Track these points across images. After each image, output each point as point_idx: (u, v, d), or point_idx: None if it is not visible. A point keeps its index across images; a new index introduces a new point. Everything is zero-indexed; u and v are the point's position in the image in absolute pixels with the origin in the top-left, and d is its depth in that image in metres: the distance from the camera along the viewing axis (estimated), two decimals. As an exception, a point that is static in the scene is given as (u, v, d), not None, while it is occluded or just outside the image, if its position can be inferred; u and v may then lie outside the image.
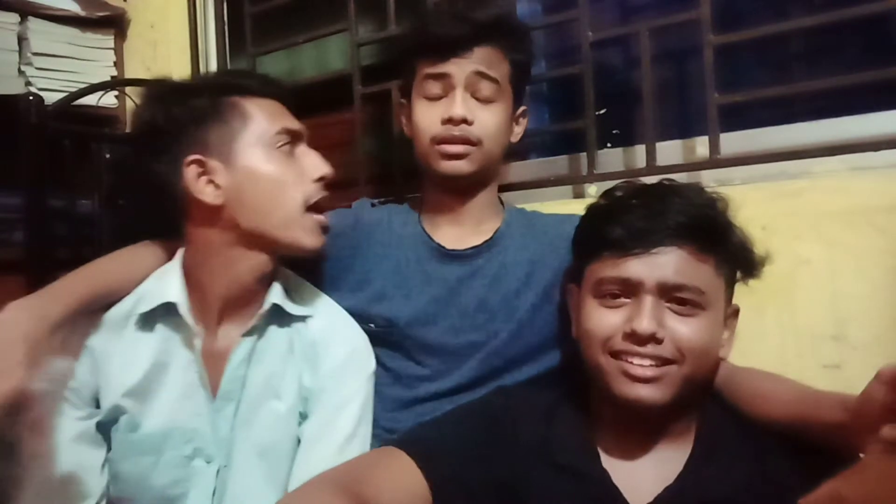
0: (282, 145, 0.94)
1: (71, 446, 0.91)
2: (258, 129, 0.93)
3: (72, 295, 0.88)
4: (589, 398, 0.89)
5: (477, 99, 1.07)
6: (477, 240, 1.11)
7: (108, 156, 1.54)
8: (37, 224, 1.43)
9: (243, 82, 0.97)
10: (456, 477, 0.81)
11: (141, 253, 1.02)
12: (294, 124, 0.96)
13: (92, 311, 0.93)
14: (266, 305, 0.96)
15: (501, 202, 1.20)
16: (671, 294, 0.80)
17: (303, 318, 1.00)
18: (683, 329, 0.80)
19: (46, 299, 0.87)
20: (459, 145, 1.07)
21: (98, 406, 0.94)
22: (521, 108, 1.17)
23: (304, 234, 0.94)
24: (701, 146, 1.32)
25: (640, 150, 1.37)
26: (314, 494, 0.74)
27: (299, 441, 0.98)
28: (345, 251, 1.12)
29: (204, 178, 0.94)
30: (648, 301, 0.80)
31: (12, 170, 1.40)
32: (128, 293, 0.96)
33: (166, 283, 0.95)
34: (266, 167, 0.93)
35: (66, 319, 0.85)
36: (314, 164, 0.95)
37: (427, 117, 1.08)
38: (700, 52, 1.26)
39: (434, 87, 1.08)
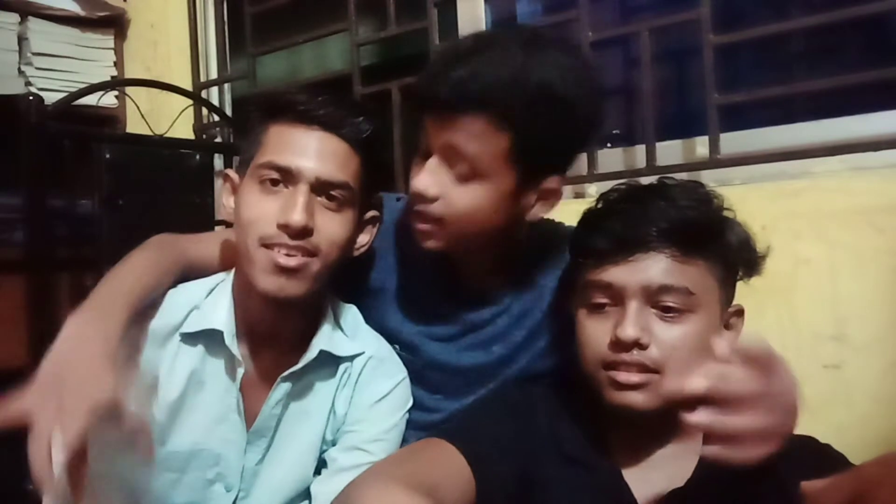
0: (263, 179, 0.88)
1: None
2: (258, 157, 0.90)
3: (123, 308, 0.83)
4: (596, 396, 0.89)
5: (452, 173, 0.88)
6: (501, 280, 1.02)
7: (108, 156, 1.54)
8: (37, 224, 1.43)
9: (294, 108, 0.90)
10: (497, 475, 0.81)
11: (159, 254, 0.97)
12: (294, 162, 0.86)
13: (137, 321, 0.88)
14: (313, 353, 0.93)
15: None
16: (657, 298, 0.79)
17: (350, 358, 0.98)
18: (669, 334, 0.79)
19: (105, 316, 0.81)
20: (422, 223, 0.92)
21: None
22: (548, 184, 0.92)
23: (258, 274, 0.86)
24: (701, 146, 1.32)
25: (640, 150, 1.37)
26: (385, 491, 0.71)
27: (318, 463, 0.98)
28: (366, 260, 1.04)
29: (227, 193, 0.94)
30: (632, 307, 0.79)
31: (12, 170, 1.40)
32: (157, 295, 0.92)
33: (215, 305, 0.93)
34: (244, 195, 0.90)
35: (124, 334, 0.81)
36: (285, 209, 0.85)
37: (412, 183, 0.92)
38: (700, 52, 1.26)
39: (423, 143, 0.92)
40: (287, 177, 0.87)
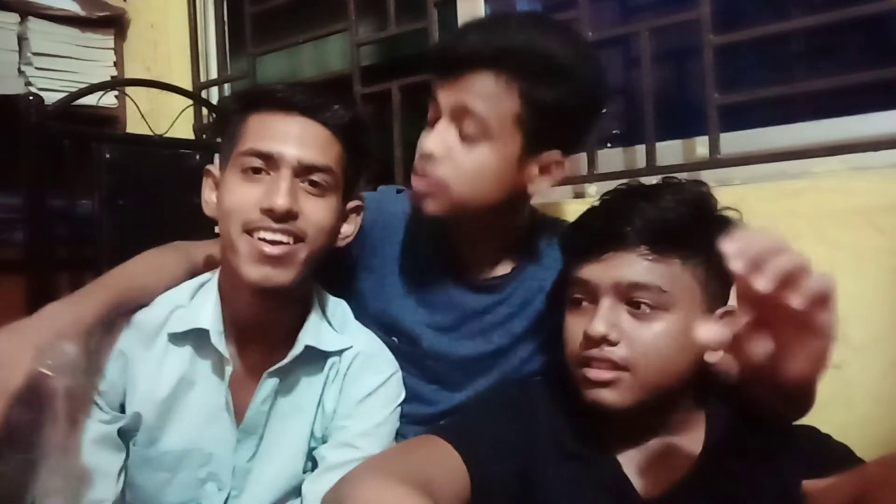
0: (245, 168, 0.87)
1: (91, 448, 0.89)
2: (239, 146, 0.89)
3: (105, 297, 0.86)
4: None
5: (461, 134, 0.91)
6: (503, 267, 1.03)
7: (108, 156, 1.54)
8: (37, 224, 1.43)
9: (272, 97, 0.91)
10: (494, 475, 0.82)
11: (169, 255, 0.99)
12: (275, 147, 0.86)
13: (122, 314, 0.91)
14: (298, 348, 0.93)
15: (534, 213, 1.08)
16: (628, 295, 0.80)
17: (338, 353, 0.97)
18: (639, 332, 0.79)
19: (82, 300, 0.85)
20: (421, 180, 0.93)
21: (123, 411, 0.92)
22: (551, 157, 0.93)
23: (241, 261, 0.86)
24: (701, 146, 1.32)
25: (640, 150, 1.37)
26: (378, 485, 0.72)
27: (310, 461, 0.98)
28: (364, 251, 1.05)
29: (209, 189, 0.94)
30: (605, 304, 0.80)
31: (12, 170, 1.40)
32: (155, 296, 0.94)
33: (201, 304, 0.93)
34: (226, 186, 0.89)
35: (99, 321, 0.84)
36: (269, 194, 0.85)
37: (419, 146, 0.95)
38: (700, 52, 1.26)
39: (431, 109, 0.94)
40: (269, 163, 0.87)
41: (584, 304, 0.84)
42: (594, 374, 0.80)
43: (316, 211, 0.88)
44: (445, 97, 0.92)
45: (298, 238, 0.87)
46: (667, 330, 0.79)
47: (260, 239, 0.86)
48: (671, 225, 0.81)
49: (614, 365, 0.79)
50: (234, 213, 0.87)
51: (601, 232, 0.83)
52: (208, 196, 0.95)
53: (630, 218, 0.81)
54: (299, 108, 0.89)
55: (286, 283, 0.87)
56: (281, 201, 0.84)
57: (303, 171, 0.88)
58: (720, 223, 0.84)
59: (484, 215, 0.96)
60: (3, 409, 0.72)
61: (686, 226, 0.81)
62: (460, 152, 0.91)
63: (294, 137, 0.88)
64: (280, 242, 0.86)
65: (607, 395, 0.80)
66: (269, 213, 0.85)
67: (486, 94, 0.89)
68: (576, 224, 0.89)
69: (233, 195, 0.88)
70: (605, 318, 0.80)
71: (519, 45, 0.89)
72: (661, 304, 0.79)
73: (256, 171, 0.87)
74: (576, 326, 0.84)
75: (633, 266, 0.80)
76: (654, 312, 0.79)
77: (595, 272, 0.82)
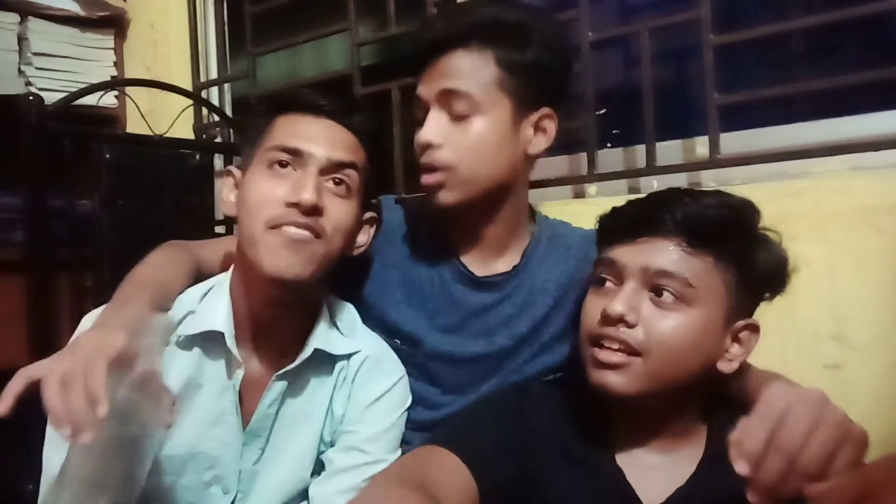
0: (273, 163, 0.89)
1: (95, 456, 0.89)
2: (266, 144, 0.90)
3: (146, 298, 0.85)
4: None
5: (452, 116, 0.95)
6: (505, 264, 1.04)
7: (108, 156, 1.54)
8: (37, 224, 1.43)
9: (301, 99, 0.93)
10: (497, 475, 0.82)
11: (176, 253, 0.99)
12: (304, 144, 0.88)
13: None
14: (308, 351, 0.93)
15: (532, 210, 1.10)
16: (654, 282, 0.80)
17: (346, 356, 0.98)
18: (657, 319, 0.79)
19: (130, 302, 0.82)
20: (431, 174, 0.96)
21: None
22: (541, 113, 0.98)
23: (265, 254, 0.86)
24: (701, 146, 1.32)
25: (640, 150, 1.37)
26: (387, 491, 0.73)
27: (317, 464, 0.98)
28: (365, 257, 1.05)
29: (228, 189, 0.95)
30: (628, 285, 0.81)
31: (12, 170, 1.40)
32: (177, 294, 0.93)
33: (212, 307, 0.92)
34: (250, 182, 0.90)
35: (146, 318, 0.81)
36: (296, 189, 0.86)
37: (416, 139, 0.98)
38: (700, 52, 1.26)
39: (417, 112, 0.98)
40: (297, 159, 0.88)
41: (609, 284, 0.84)
42: (604, 355, 0.80)
43: (338, 211, 0.89)
44: (427, 88, 0.96)
45: (319, 235, 0.88)
46: (686, 324, 0.79)
47: (284, 227, 0.86)
48: (711, 222, 0.81)
49: (627, 348, 0.79)
50: (260, 208, 0.87)
51: (640, 216, 0.83)
52: (227, 195, 0.95)
53: (671, 208, 0.81)
54: (327, 111, 0.91)
55: (305, 276, 0.87)
56: (308, 195, 0.85)
57: (330, 169, 0.89)
58: (759, 238, 0.84)
59: (492, 193, 0.98)
60: (102, 369, 0.68)
61: (725, 226, 0.81)
62: (456, 132, 0.94)
63: (322, 138, 0.90)
64: (304, 230, 0.87)
65: (614, 379, 0.79)
66: (295, 206, 0.86)
67: (465, 70, 0.94)
68: (617, 207, 0.89)
69: (258, 191, 0.88)
70: (627, 299, 0.80)
71: (482, 19, 0.95)
72: (685, 298, 0.79)
73: (283, 165, 0.88)
74: (595, 305, 0.83)
75: (665, 254, 0.80)
76: (676, 304, 0.79)
77: (626, 254, 0.82)
